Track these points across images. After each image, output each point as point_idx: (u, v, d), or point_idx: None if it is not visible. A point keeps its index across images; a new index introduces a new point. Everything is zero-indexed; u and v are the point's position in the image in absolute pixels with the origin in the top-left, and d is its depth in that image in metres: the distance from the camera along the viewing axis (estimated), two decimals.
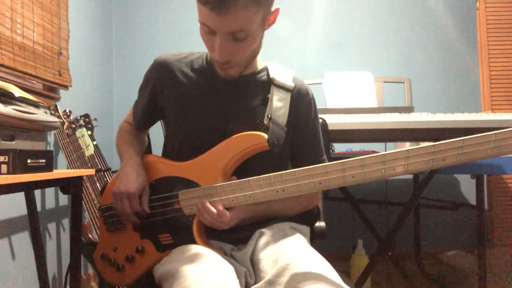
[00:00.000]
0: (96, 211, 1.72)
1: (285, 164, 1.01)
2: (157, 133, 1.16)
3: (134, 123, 1.09)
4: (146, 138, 1.14)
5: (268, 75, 0.98)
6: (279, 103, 0.92)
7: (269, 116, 0.90)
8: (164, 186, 0.93)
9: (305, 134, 0.99)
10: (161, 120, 1.13)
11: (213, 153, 0.88)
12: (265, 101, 0.93)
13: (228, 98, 0.94)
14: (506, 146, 0.62)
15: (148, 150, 1.21)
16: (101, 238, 0.98)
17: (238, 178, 0.83)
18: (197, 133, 0.93)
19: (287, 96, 0.95)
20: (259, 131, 0.88)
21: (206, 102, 0.94)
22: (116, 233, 0.95)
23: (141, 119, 1.06)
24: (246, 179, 0.81)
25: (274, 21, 0.88)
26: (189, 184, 0.88)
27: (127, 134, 1.08)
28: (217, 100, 0.94)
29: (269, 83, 0.95)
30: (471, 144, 0.64)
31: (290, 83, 0.96)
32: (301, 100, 0.98)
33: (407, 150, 0.67)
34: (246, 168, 0.89)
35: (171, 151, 1.00)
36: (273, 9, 0.85)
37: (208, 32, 0.81)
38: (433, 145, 0.66)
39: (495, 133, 0.63)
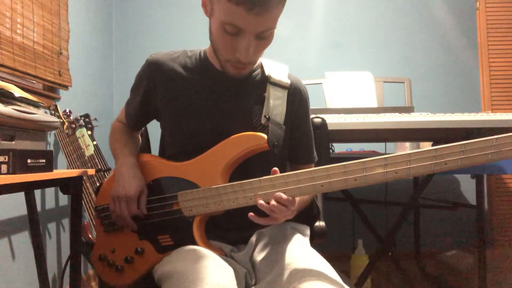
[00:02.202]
0: None
1: (283, 162, 1.01)
2: (157, 133, 1.16)
3: (126, 123, 1.08)
4: (139, 136, 1.13)
5: (263, 72, 0.96)
6: (276, 102, 0.92)
7: (267, 116, 0.89)
8: (161, 187, 0.92)
9: (301, 131, 0.99)
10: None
11: (212, 153, 0.88)
12: (262, 100, 0.92)
13: (223, 98, 0.93)
14: (507, 151, 0.62)
15: (148, 150, 1.21)
16: (98, 239, 0.97)
17: (237, 179, 0.82)
18: (193, 134, 0.93)
19: (284, 94, 0.94)
20: (256, 130, 0.87)
21: (201, 102, 0.92)
22: (114, 234, 0.95)
23: (134, 119, 1.05)
24: (248, 180, 0.80)
25: None
26: (187, 184, 0.88)
27: (121, 133, 1.07)
28: (212, 99, 0.93)
29: (265, 81, 0.94)
30: (472, 149, 0.64)
31: (286, 80, 0.95)
32: (298, 98, 0.98)
33: (409, 153, 0.67)
34: (244, 168, 0.89)
35: (168, 152, 0.99)
36: None
37: (233, 33, 0.78)
38: (435, 149, 0.66)
39: (496, 138, 0.63)
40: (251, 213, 0.77)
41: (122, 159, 0.96)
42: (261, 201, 0.76)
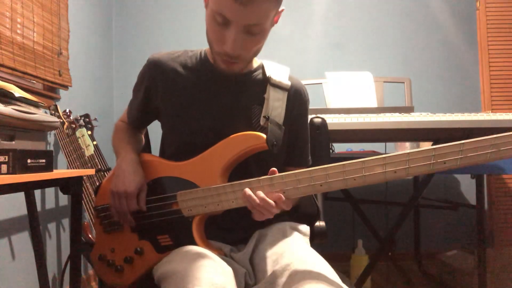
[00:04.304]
0: None
1: (281, 163, 1.01)
2: (157, 133, 1.16)
3: (128, 122, 1.08)
4: (142, 137, 1.13)
5: (264, 73, 0.96)
6: (275, 103, 0.92)
7: (266, 116, 0.89)
8: (161, 187, 0.92)
9: (298, 134, 0.99)
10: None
11: (211, 153, 0.88)
12: (261, 101, 0.92)
13: (223, 98, 0.93)
14: (507, 150, 0.62)
15: (148, 150, 1.21)
16: (97, 239, 0.97)
17: (235, 179, 0.83)
18: (192, 133, 0.93)
19: (284, 96, 0.94)
20: (255, 131, 0.87)
21: (200, 101, 0.93)
22: (113, 234, 0.95)
23: (136, 119, 1.05)
24: (247, 180, 0.80)
25: (277, 22, 0.87)
26: (186, 184, 0.88)
27: (123, 132, 1.07)
28: (212, 99, 0.93)
29: (265, 82, 0.94)
30: (471, 148, 0.64)
31: (286, 82, 0.95)
32: (297, 101, 0.97)
33: (408, 153, 0.67)
34: (243, 168, 0.89)
35: (168, 151, 1.00)
36: (279, 9, 0.85)
37: (222, 23, 0.79)
38: (434, 148, 0.66)
39: (496, 137, 0.63)
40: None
41: (123, 155, 0.96)
42: (249, 192, 0.77)
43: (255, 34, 0.80)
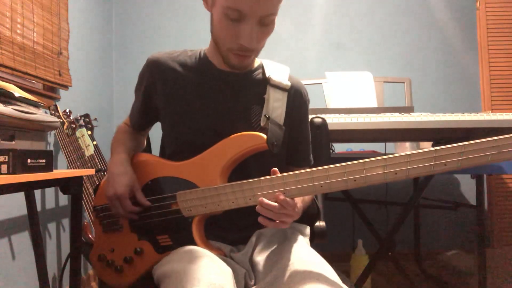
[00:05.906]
0: None
1: (281, 164, 1.00)
2: (157, 133, 1.16)
3: (130, 123, 1.08)
4: (144, 140, 1.13)
5: (263, 73, 0.96)
6: (276, 104, 0.92)
7: (267, 116, 0.89)
8: (160, 187, 0.92)
9: (300, 134, 0.99)
10: None
11: (211, 153, 0.87)
12: (261, 101, 0.92)
13: (223, 97, 0.92)
14: (508, 152, 0.62)
15: (148, 150, 1.20)
16: (97, 239, 0.97)
17: (236, 179, 0.82)
18: (191, 133, 0.92)
19: (284, 96, 0.93)
20: (254, 130, 0.87)
21: (199, 101, 0.92)
22: (113, 234, 0.94)
23: (137, 120, 1.05)
24: (247, 180, 0.80)
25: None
26: (186, 184, 0.88)
27: (122, 133, 1.07)
28: (212, 99, 0.92)
29: (265, 82, 0.94)
30: (472, 150, 0.64)
31: (286, 83, 0.95)
32: (297, 101, 0.97)
33: (409, 154, 0.67)
34: (243, 168, 0.89)
35: (168, 151, 0.99)
36: None
37: (235, 19, 0.79)
38: (435, 150, 0.66)
39: (496, 139, 0.62)
40: (261, 217, 0.76)
41: (114, 157, 0.96)
42: (266, 201, 0.76)
43: (267, 25, 0.82)
